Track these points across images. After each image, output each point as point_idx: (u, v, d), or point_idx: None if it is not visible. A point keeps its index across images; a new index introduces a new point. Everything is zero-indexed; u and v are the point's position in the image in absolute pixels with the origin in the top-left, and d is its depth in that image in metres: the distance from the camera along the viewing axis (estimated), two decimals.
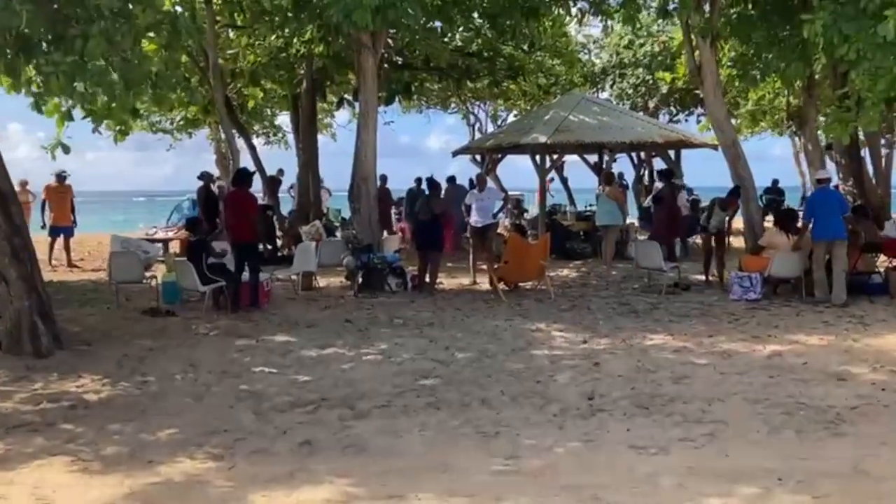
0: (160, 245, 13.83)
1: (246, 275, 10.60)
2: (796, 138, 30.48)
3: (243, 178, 10.81)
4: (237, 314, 10.18)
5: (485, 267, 12.22)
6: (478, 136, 25.14)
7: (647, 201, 21.79)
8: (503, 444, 5.14)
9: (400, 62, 17.36)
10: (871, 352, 7.49)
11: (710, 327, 8.97)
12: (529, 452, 5.00)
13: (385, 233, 17.09)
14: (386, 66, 16.72)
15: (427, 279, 11.55)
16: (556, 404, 6.02)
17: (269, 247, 14.71)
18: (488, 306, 10.56)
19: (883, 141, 20.31)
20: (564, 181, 23.53)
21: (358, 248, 11.67)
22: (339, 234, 15.77)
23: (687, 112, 25.27)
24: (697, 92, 19.24)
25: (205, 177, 15.34)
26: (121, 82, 7.34)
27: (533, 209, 20.64)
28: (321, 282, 12.73)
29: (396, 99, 17.01)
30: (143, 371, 7.35)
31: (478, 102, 24.90)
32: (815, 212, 10.14)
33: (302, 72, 16.92)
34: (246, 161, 19.25)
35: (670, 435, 5.25)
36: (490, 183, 20.18)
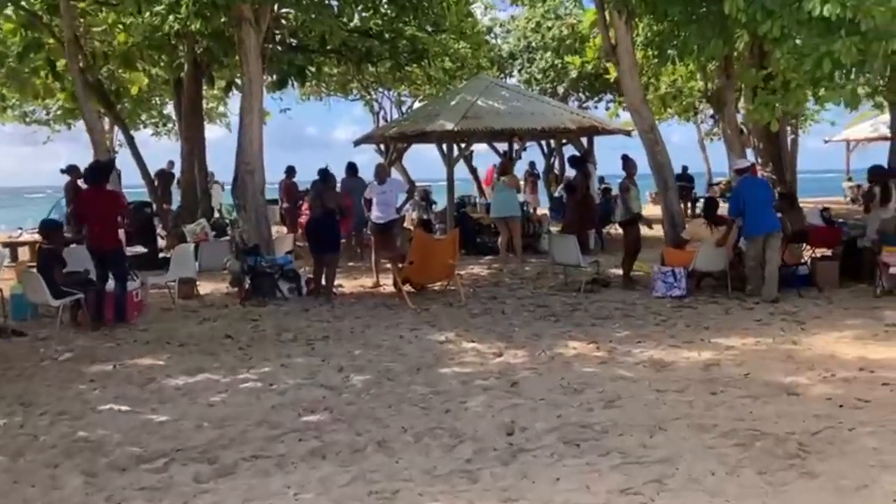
0: (9, 250, 12.02)
1: (111, 284, 9.13)
2: (701, 125, 30.70)
3: (98, 173, 9.25)
4: (99, 331, 8.71)
5: (389, 266, 11.08)
6: (383, 124, 23.90)
7: (559, 191, 21.15)
8: None
9: (294, 44, 15.93)
10: (815, 357, 6.74)
11: (637, 331, 8.11)
12: None
13: (286, 231, 15.77)
14: (279, 47, 15.30)
15: (323, 283, 10.29)
16: (469, 444, 4.93)
17: (147, 249, 13.07)
18: (392, 313, 9.42)
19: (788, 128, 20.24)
20: (473, 171, 22.62)
21: (243, 250, 10.30)
22: (230, 232, 14.34)
23: (597, 98, 24.78)
24: (608, 77, 18.66)
25: (72, 170, 13.53)
26: None
27: (442, 201, 19.63)
28: (206, 288, 11.31)
29: (290, 83, 15.54)
30: None
31: (381, 88, 23.63)
32: (746, 205, 9.42)
33: (184, 53, 15.27)
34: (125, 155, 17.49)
35: (609, 484, 4.25)
36: (395, 174, 19.07)
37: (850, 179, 28.13)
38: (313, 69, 16.51)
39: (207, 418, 5.62)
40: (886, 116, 24.63)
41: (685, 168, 23.83)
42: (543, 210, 20.59)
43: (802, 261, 10.30)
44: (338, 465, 4.67)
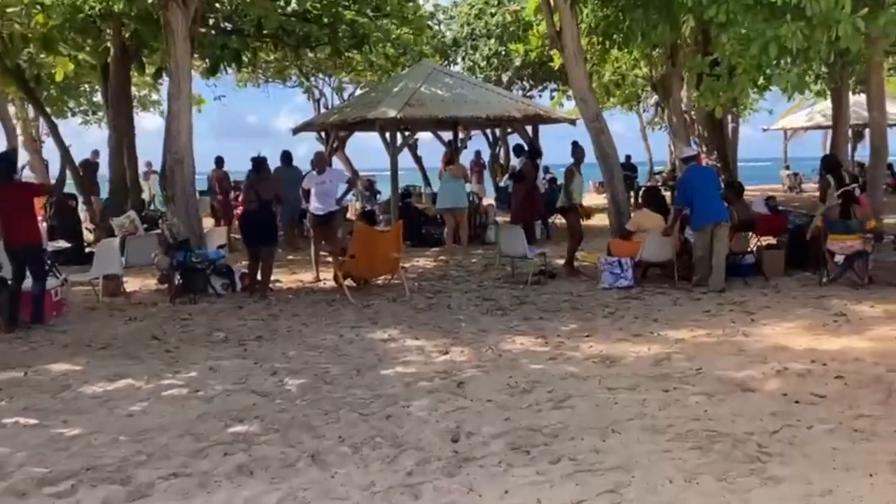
0: None
1: (29, 283, 8.48)
2: (644, 113, 30.87)
3: (3, 165, 8.53)
4: (13, 334, 8.07)
5: (330, 260, 10.63)
6: (323, 111, 23.26)
7: (505, 180, 20.91)
8: None
9: (228, 28, 15.26)
10: (766, 349, 6.58)
11: (585, 324, 7.87)
12: None
13: (214, 224, 15.13)
14: (213, 31, 14.63)
15: (259, 278, 9.78)
16: (412, 453, 4.57)
17: (71, 244, 12.33)
18: (332, 309, 8.99)
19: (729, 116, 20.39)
20: (418, 160, 22.25)
21: (172, 244, 9.72)
22: (161, 225, 13.68)
23: (541, 87, 24.59)
24: (552, 65, 18.43)
25: None
26: None
27: (387, 191, 19.19)
28: (134, 284, 10.71)
29: (224, 69, 14.88)
30: None
31: (321, 75, 22.99)
32: (694, 194, 9.25)
33: (110, 36, 14.47)
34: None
35: (561, 496, 3.94)
36: (338, 163, 18.56)
37: (787, 168, 28.62)
38: (249, 54, 15.86)
39: (125, 431, 5.13)
40: (821, 105, 25.10)
41: (628, 157, 23.88)
42: (490, 200, 20.35)
43: (749, 249, 10.20)
44: (266, 482, 4.26)
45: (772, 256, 10.00)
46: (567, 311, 8.56)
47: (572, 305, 8.85)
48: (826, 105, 24.16)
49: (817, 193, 13.35)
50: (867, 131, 20.87)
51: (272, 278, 10.25)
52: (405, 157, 20.04)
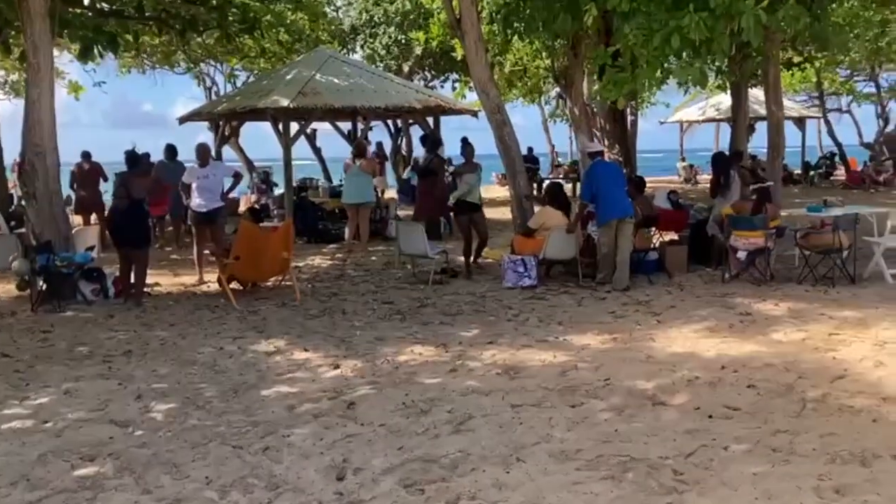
0: None
1: None
2: (546, 106, 30.92)
3: None
4: None
5: (215, 261, 9.79)
6: (215, 99, 22.01)
7: (407, 172, 20.34)
8: None
9: (106, 9, 14.02)
10: (675, 355, 6.28)
11: (488, 328, 7.42)
12: None
13: (94, 219, 13.91)
14: (89, 12, 13.39)
15: (133, 283, 8.87)
16: (289, 497, 3.97)
17: None
18: (214, 317, 8.21)
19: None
20: (318, 152, 21.40)
21: (33, 246, 8.68)
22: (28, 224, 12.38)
23: (443, 77, 24.12)
24: (454, 55, 17.96)
25: None
26: None
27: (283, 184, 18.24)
28: None
29: (99, 53, 13.63)
30: None
31: (211, 61, 21.75)
32: (599, 189, 8.96)
33: None
34: None
35: None
36: (230, 153, 17.50)
37: (683, 160, 29.31)
38: (129, 38, 14.63)
39: None
40: (714, 99, 25.72)
41: (531, 149, 23.76)
42: (392, 193, 19.75)
43: (653, 246, 10.03)
44: None
45: (674, 253, 9.85)
46: (469, 314, 8.10)
47: (475, 308, 8.40)
48: (718, 99, 24.77)
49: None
50: (758, 125, 21.47)
51: (150, 281, 9.38)
52: (305, 149, 19.19)
